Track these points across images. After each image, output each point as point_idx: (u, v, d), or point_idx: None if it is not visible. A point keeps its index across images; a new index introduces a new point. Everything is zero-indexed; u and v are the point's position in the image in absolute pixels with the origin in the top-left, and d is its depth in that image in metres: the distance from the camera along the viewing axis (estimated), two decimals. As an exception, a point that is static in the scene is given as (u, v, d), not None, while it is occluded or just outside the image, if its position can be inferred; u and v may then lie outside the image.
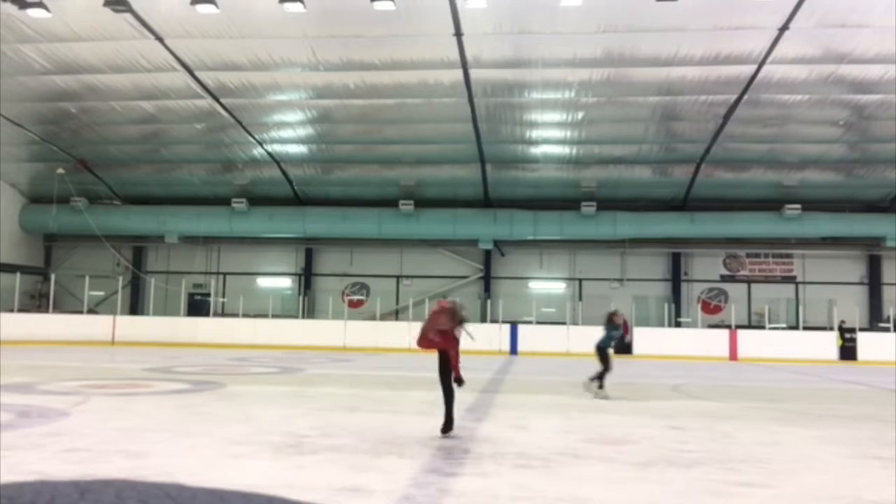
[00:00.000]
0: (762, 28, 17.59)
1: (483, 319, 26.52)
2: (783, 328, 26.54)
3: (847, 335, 24.06)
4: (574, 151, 25.05)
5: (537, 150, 25.36)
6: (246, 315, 27.28)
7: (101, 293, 29.21)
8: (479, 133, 23.62)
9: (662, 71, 19.71)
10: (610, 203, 26.72)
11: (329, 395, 10.16)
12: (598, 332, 10.82)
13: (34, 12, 17.22)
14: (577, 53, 19.06)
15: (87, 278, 27.32)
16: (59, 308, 27.17)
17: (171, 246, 29.53)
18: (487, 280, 28.99)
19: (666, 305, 27.36)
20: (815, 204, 26.05)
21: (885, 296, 27.30)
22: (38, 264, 30.16)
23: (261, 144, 25.41)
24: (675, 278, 28.52)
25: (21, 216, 29.20)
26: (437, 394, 6.77)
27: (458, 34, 18.16)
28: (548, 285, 29.42)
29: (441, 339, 6.52)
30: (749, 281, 28.31)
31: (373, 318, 27.60)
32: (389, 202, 27.33)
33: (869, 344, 23.83)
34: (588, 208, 26.35)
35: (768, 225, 26.41)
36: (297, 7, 16.75)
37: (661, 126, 23.18)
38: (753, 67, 19.32)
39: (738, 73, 19.71)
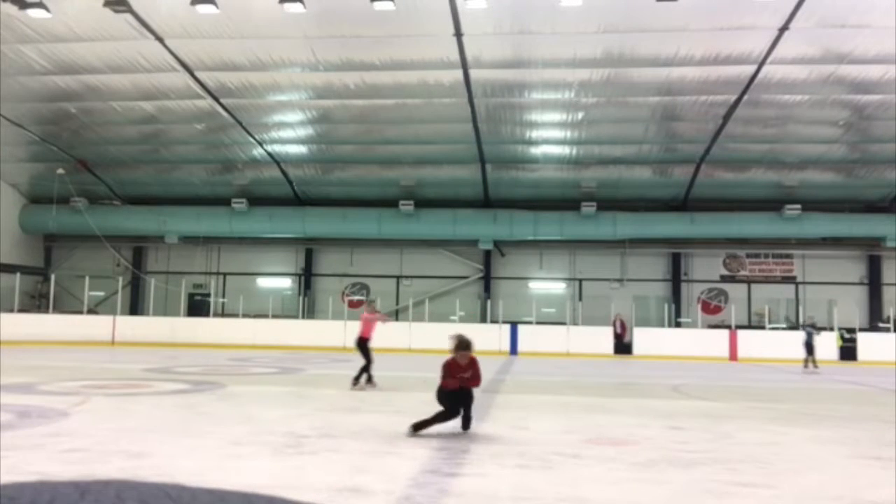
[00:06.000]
0: (762, 28, 17.59)
1: (483, 320, 26.57)
2: (783, 328, 26.54)
3: (847, 335, 24.10)
4: (574, 152, 25.05)
5: (537, 151, 25.36)
6: (246, 315, 27.29)
7: (101, 293, 29.22)
8: (479, 133, 23.62)
9: (662, 71, 19.71)
10: (610, 203, 26.72)
11: (329, 396, 10.15)
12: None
13: (34, 12, 17.22)
14: (577, 53, 19.06)
15: (87, 278, 27.32)
16: (59, 308, 27.17)
17: (171, 246, 29.53)
18: (487, 280, 28.98)
19: (666, 306, 27.36)
20: (815, 204, 26.05)
21: (885, 296, 27.30)
22: (38, 264, 30.16)
23: (261, 144, 25.42)
24: (675, 278, 28.51)
25: (21, 216, 29.20)
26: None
27: (458, 34, 18.16)
28: (548, 285, 29.41)
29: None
30: (749, 281, 28.30)
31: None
32: (389, 202, 27.33)
33: (869, 344, 23.84)
34: (588, 208, 26.35)
35: (768, 225, 26.40)
36: (297, 7, 16.76)
37: (661, 126, 23.19)
38: (753, 67, 19.32)
39: (738, 74, 19.71)
